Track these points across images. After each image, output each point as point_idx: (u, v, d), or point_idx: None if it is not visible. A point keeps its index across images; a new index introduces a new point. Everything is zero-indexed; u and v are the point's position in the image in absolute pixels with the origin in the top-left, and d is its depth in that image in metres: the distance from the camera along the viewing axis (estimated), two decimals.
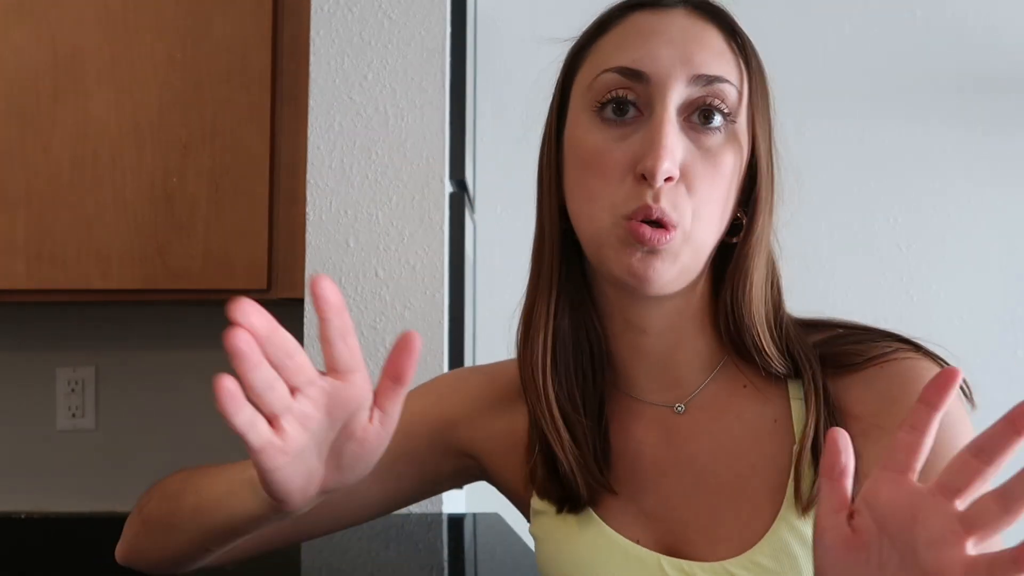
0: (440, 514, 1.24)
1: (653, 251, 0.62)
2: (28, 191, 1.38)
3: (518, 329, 0.74)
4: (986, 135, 1.77)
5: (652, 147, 0.61)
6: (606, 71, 0.64)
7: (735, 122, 0.64)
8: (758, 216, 0.69)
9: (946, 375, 0.49)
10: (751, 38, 0.69)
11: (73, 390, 1.72)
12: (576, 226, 0.68)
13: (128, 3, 1.39)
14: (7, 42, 1.40)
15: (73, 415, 1.72)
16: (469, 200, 1.52)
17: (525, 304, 0.73)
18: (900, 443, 0.48)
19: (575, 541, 0.70)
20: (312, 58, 1.29)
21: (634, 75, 0.63)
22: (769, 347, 0.67)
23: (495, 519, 1.24)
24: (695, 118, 0.63)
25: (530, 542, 0.95)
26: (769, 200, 0.69)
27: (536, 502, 0.73)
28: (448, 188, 1.30)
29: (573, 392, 0.69)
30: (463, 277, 1.32)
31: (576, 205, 0.67)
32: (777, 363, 0.67)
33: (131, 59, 1.39)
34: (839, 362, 0.68)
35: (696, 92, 0.63)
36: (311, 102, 1.29)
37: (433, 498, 1.25)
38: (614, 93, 0.64)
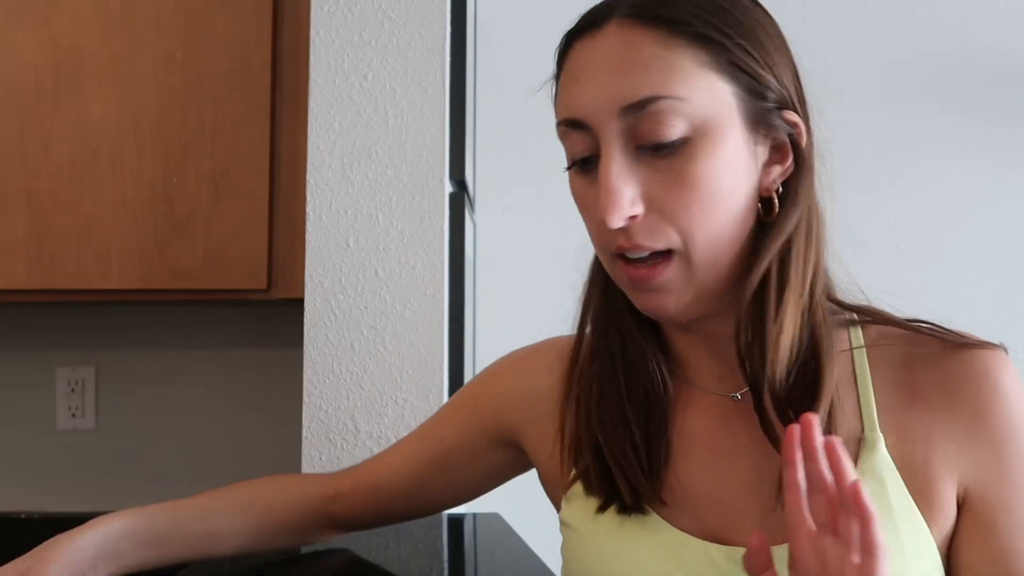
0: (440, 514, 1.24)
1: (654, 289, 0.63)
2: (28, 191, 1.38)
3: (576, 337, 0.75)
4: (986, 135, 1.77)
5: (599, 199, 0.61)
6: (558, 125, 0.66)
7: (688, 137, 0.61)
8: (787, 192, 0.67)
9: (793, 432, 0.55)
10: (714, 8, 0.63)
11: (73, 390, 1.72)
12: None
13: (128, 3, 1.39)
14: (7, 42, 1.40)
15: (73, 415, 1.72)
16: (469, 200, 1.52)
17: (582, 311, 0.75)
18: (788, 505, 0.55)
19: (616, 531, 0.69)
20: (312, 58, 1.29)
21: (576, 124, 0.64)
22: (785, 334, 0.64)
23: (495, 519, 1.24)
24: (644, 148, 0.61)
25: (533, 540, 0.95)
26: (805, 170, 0.67)
27: (576, 489, 0.73)
28: (448, 188, 1.30)
29: (624, 402, 0.69)
30: (463, 277, 1.32)
31: None
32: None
33: (131, 59, 1.39)
34: (919, 344, 0.68)
35: (631, 122, 0.61)
36: (311, 102, 1.29)
37: None
38: (573, 153, 0.65)
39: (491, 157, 1.74)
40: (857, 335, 0.69)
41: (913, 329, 0.70)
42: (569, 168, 0.67)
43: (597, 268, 0.73)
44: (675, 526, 0.67)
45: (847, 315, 0.71)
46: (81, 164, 1.38)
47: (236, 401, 1.72)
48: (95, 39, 1.39)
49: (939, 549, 0.63)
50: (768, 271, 0.64)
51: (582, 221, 0.69)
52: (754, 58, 0.63)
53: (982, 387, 0.64)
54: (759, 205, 0.65)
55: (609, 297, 0.72)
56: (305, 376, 1.26)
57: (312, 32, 1.29)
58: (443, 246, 1.27)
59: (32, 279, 1.38)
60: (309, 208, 1.28)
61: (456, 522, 1.22)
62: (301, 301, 1.29)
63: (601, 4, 0.65)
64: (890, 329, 0.70)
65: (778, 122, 0.65)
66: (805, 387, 0.64)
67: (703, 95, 0.61)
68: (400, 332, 1.26)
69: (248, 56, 1.39)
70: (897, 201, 1.77)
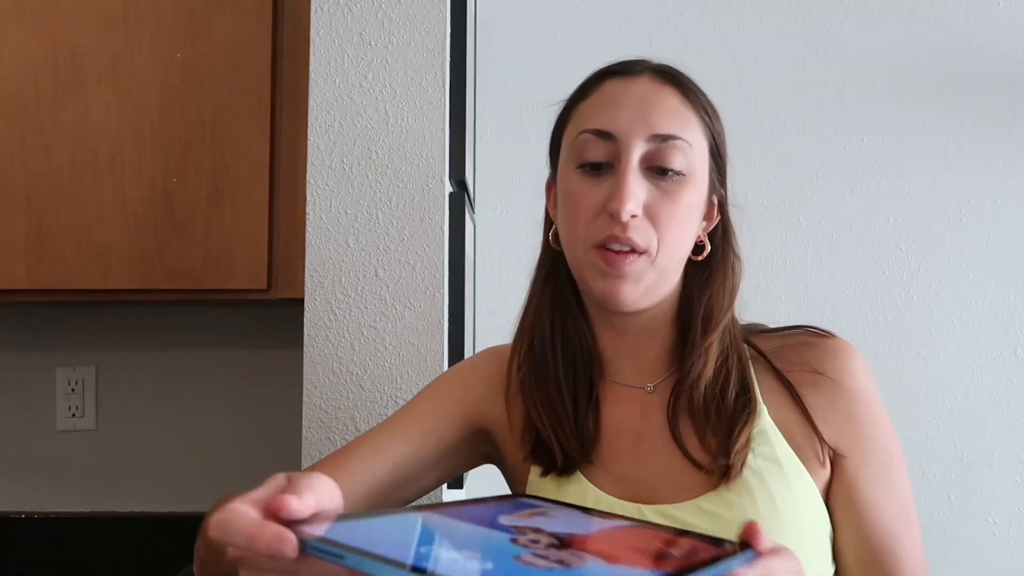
0: None
1: (620, 275, 0.79)
2: (28, 191, 1.39)
3: (514, 331, 0.91)
4: (986, 134, 1.77)
5: (617, 192, 0.78)
6: (584, 132, 0.82)
7: (685, 173, 0.80)
8: (724, 242, 0.86)
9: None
10: (706, 95, 0.85)
11: (73, 390, 1.72)
12: (565, 253, 0.86)
13: (128, 3, 1.39)
14: (7, 42, 1.40)
15: (73, 415, 1.72)
16: (469, 200, 1.52)
17: (522, 310, 0.91)
18: None
19: (561, 498, 0.81)
20: (312, 58, 1.29)
21: (604, 135, 0.80)
22: (714, 347, 0.83)
23: None
24: (654, 169, 0.80)
25: None
26: (732, 229, 0.87)
27: (532, 473, 0.87)
28: (448, 188, 1.30)
29: (560, 381, 0.85)
30: (463, 277, 1.32)
31: (563, 236, 0.85)
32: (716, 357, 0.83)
33: (131, 59, 1.39)
34: (788, 339, 0.87)
35: (653, 147, 0.79)
36: (311, 102, 1.29)
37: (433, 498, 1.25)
38: (590, 156, 0.81)
39: (491, 157, 1.74)
40: (745, 348, 0.86)
41: (785, 331, 0.88)
42: (578, 167, 0.82)
43: (550, 267, 0.89)
44: (609, 494, 0.82)
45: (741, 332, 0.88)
46: (81, 164, 1.38)
47: (236, 401, 1.72)
48: (95, 39, 1.39)
49: (820, 494, 0.80)
50: (699, 301, 0.84)
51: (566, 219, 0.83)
52: (721, 139, 0.85)
53: (838, 367, 0.83)
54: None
55: (560, 292, 0.88)
56: (305, 376, 1.26)
57: (312, 32, 1.29)
58: (443, 246, 1.27)
59: (32, 279, 1.38)
60: (309, 208, 1.28)
61: None
62: (301, 301, 1.29)
63: (634, 60, 0.85)
64: (767, 335, 0.88)
65: (717, 188, 0.86)
66: (721, 390, 0.82)
67: (699, 150, 0.82)
68: (400, 332, 1.26)
69: (248, 56, 1.39)
70: (897, 201, 1.76)
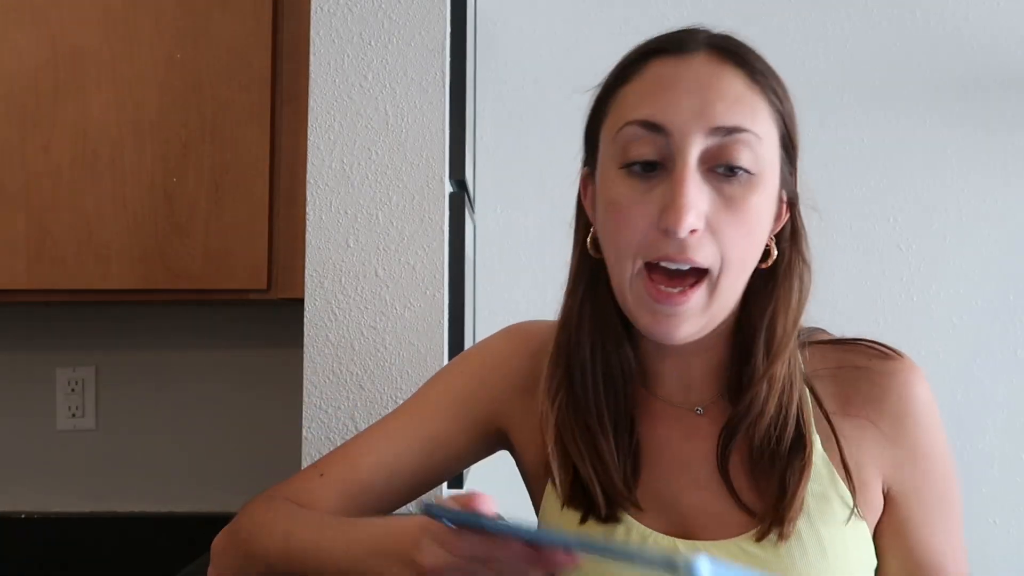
0: None
1: (672, 313, 0.67)
2: (28, 191, 1.38)
3: (551, 352, 0.78)
4: (987, 134, 1.77)
5: (673, 204, 0.64)
6: (629, 123, 0.68)
7: (754, 172, 0.67)
8: (792, 247, 0.74)
9: None
10: (774, 71, 0.72)
11: (73, 390, 1.72)
12: (607, 265, 0.72)
13: (128, 3, 1.39)
14: (7, 42, 1.40)
15: (73, 415, 1.72)
16: (469, 200, 1.52)
17: (559, 326, 0.78)
18: None
19: (590, 529, 0.74)
20: (312, 58, 1.29)
21: (654, 128, 0.66)
22: (779, 375, 0.72)
23: None
24: (718, 169, 0.66)
25: None
26: (803, 232, 0.75)
27: (550, 490, 0.78)
28: (448, 188, 1.30)
29: (603, 415, 0.74)
30: (463, 277, 1.32)
31: (605, 249, 0.72)
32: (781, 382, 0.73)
33: (131, 59, 1.39)
34: (847, 359, 0.77)
35: (715, 143, 0.66)
36: (311, 102, 1.29)
37: None
38: (638, 153, 0.67)
39: (491, 157, 1.74)
40: (801, 374, 0.76)
41: (844, 344, 0.78)
42: (622, 168, 0.68)
43: (589, 280, 0.76)
44: (644, 525, 0.73)
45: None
46: (81, 164, 1.38)
47: (236, 401, 1.72)
48: (95, 39, 1.39)
49: (870, 527, 0.74)
50: (761, 317, 0.72)
51: (605, 226, 0.71)
52: (793, 125, 0.72)
53: (902, 398, 0.75)
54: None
55: (601, 311, 0.75)
56: (305, 376, 1.26)
57: (312, 32, 1.29)
58: (443, 246, 1.27)
59: (32, 279, 1.38)
60: (309, 208, 1.28)
61: None
62: (301, 301, 1.29)
63: (684, 32, 0.72)
64: (824, 347, 0.78)
65: (788, 183, 0.73)
66: (780, 428, 0.72)
67: (768, 141, 0.68)
68: (400, 332, 1.26)
69: (248, 56, 1.39)
70: (897, 201, 1.76)
